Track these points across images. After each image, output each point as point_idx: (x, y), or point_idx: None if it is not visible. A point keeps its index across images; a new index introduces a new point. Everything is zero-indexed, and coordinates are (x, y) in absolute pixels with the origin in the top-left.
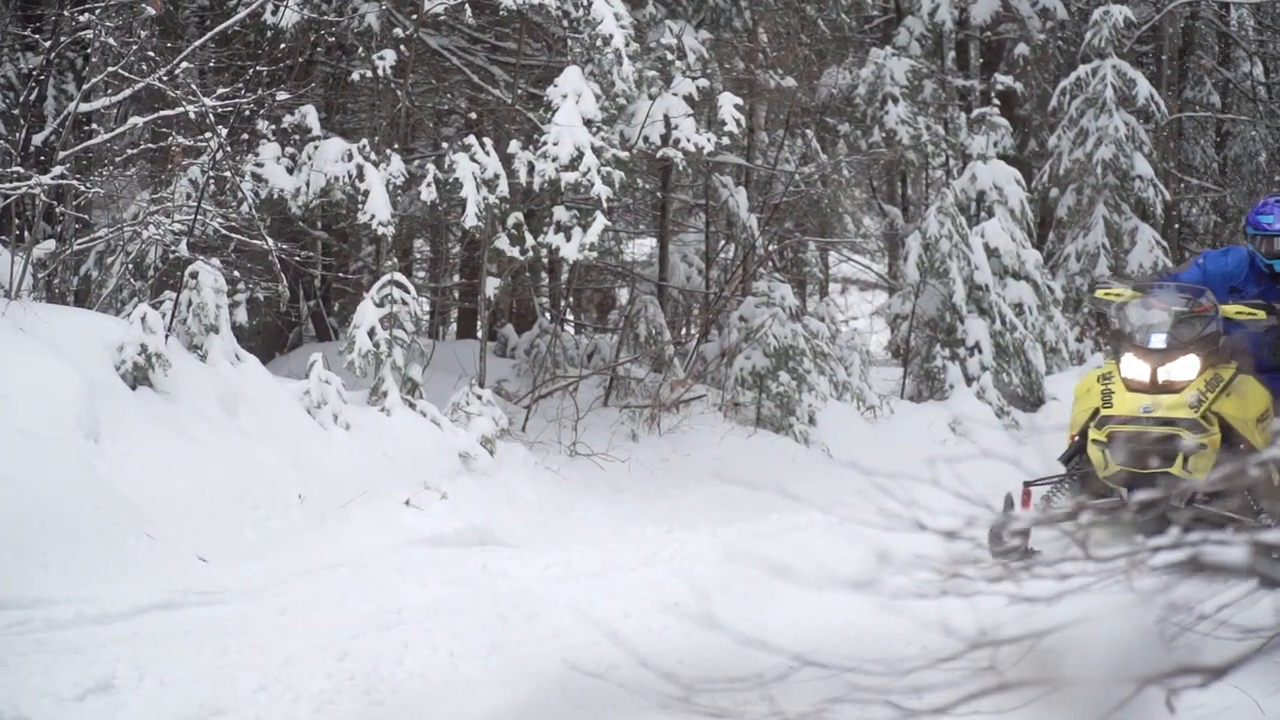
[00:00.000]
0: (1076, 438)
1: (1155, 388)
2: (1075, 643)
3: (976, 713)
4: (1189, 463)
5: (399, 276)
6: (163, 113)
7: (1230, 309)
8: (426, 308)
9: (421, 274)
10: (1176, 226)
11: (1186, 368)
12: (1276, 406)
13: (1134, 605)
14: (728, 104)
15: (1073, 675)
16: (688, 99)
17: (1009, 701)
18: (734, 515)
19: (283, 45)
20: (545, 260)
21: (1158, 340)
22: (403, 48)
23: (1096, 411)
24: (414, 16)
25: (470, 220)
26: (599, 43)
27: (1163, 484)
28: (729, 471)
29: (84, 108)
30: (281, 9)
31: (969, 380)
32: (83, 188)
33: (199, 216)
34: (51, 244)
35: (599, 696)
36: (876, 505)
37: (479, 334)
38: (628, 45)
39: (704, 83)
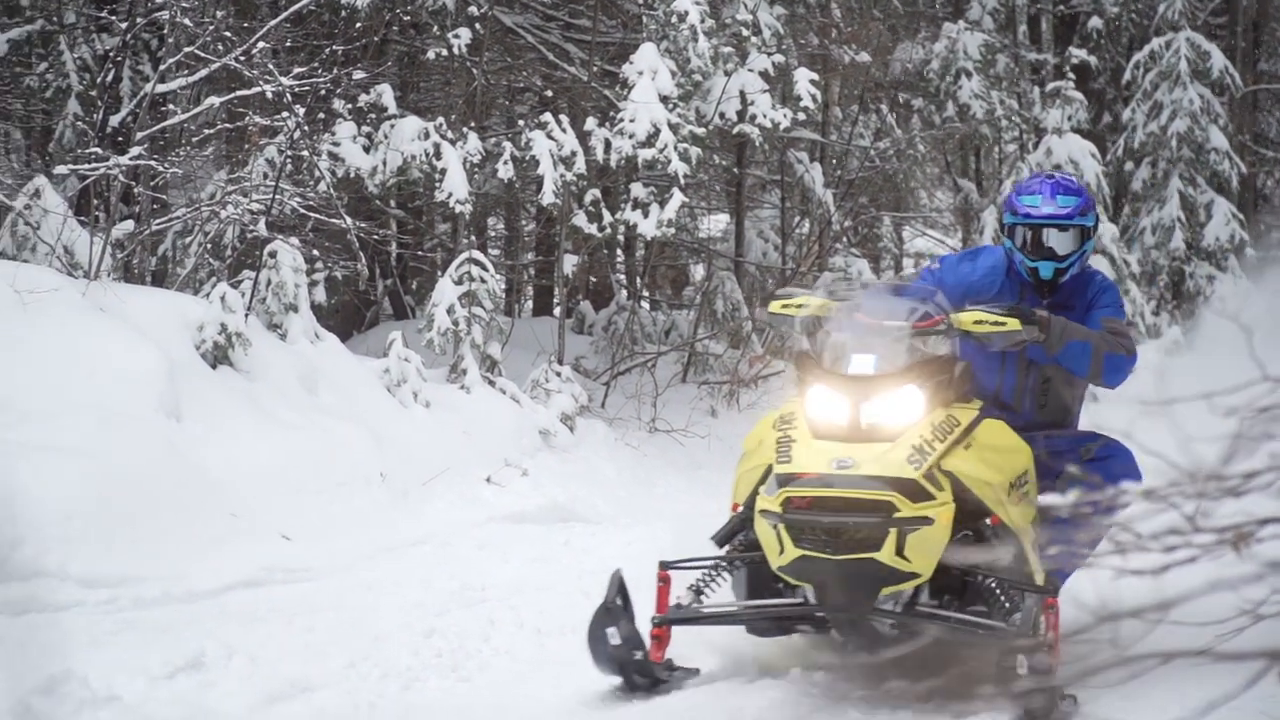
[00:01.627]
0: (740, 509)
1: (857, 434)
2: (1199, 616)
3: (1102, 686)
4: (905, 546)
5: (477, 254)
6: (239, 93)
7: (968, 317)
8: (503, 285)
9: (496, 251)
10: (1253, 199)
11: (905, 404)
12: (1041, 466)
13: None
14: (803, 80)
15: (1196, 649)
16: (763, 75)
17: (1131, 675)
18: None
19: (358, 24)
20: (621, 237)
21: (863, 364)
22: (477, 26)
23: (769, 471)
24: None
25: (548, 197)
26: (674, 19)
27: (862, 579)
28: None
29: (160, 88)
30: None
31: None
32: (160, 168)
33: (277, 196)
34: (130, 224)
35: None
36: None
37: (556, 311)
38: (703, 21)
39: (779, 58)
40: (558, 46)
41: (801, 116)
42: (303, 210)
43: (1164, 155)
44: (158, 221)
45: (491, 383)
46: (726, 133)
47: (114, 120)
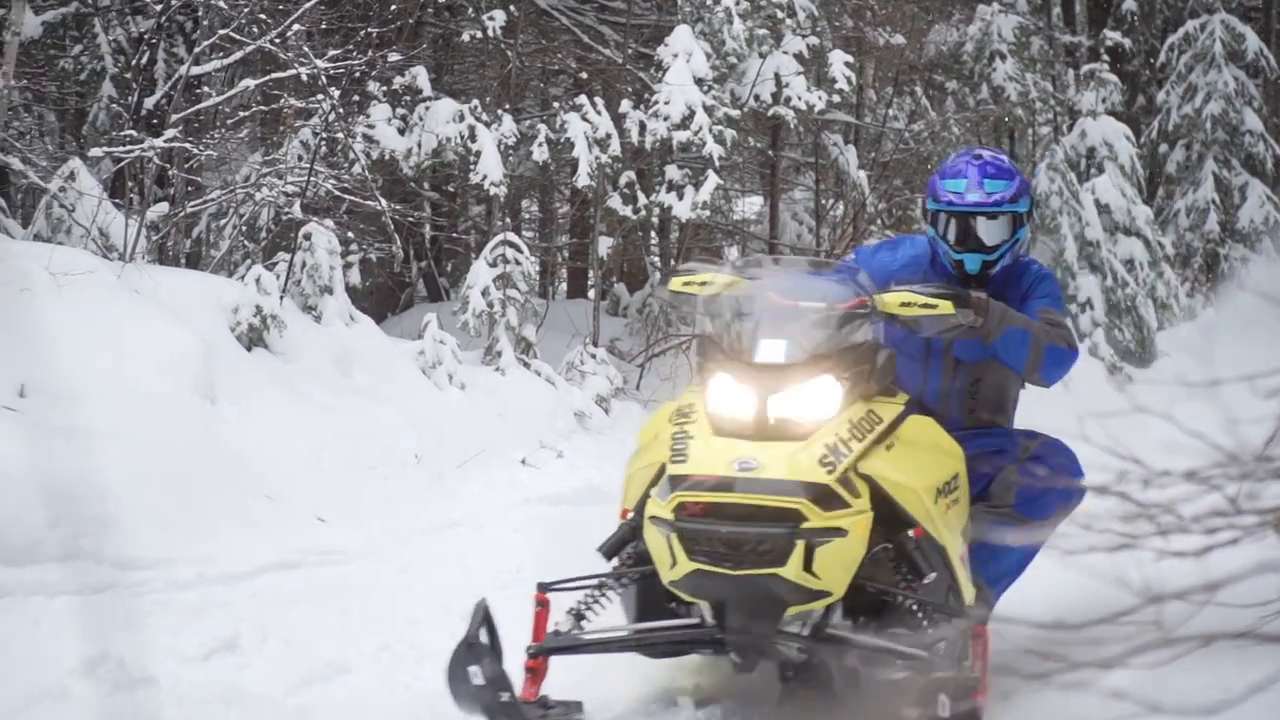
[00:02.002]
0: (631, 514)
1: (764, 431)
2: (1241, 599)
3: (1144, 667)
4: (814, 561)
5: (511, 236)
6: (274, 75)
7: (894, 298)
8: (537, 268)
9: (530, 234)
10: None
11: (819, 398)
12: (975, 470)
13: None
14: (838, 62)
15: (1238, 631)
16: (798, 57)
17: (1174, 655)
18: None
19: (393, 6)
20: (656, 219)
21: (772, 350)
22: (512, 8)
23: (663, 471)
24: None
25: (583, 180)
26: (709, 1)
27: (765, 599)
28: None
29: (195, 71)
30: None
31: (1081, 337)
32: (195, 150)
33: (311, 178)
34: (164, 207)
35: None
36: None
37: (590, 293)
38: (738, 3)
39: (814, 40)
40: (592, 29)
41: (836, 99)
42: (337, 192)
43: (1198, 138)
44: (192, 204)
45: (526, 365)
46: (761, 115)
47: (149, 103)
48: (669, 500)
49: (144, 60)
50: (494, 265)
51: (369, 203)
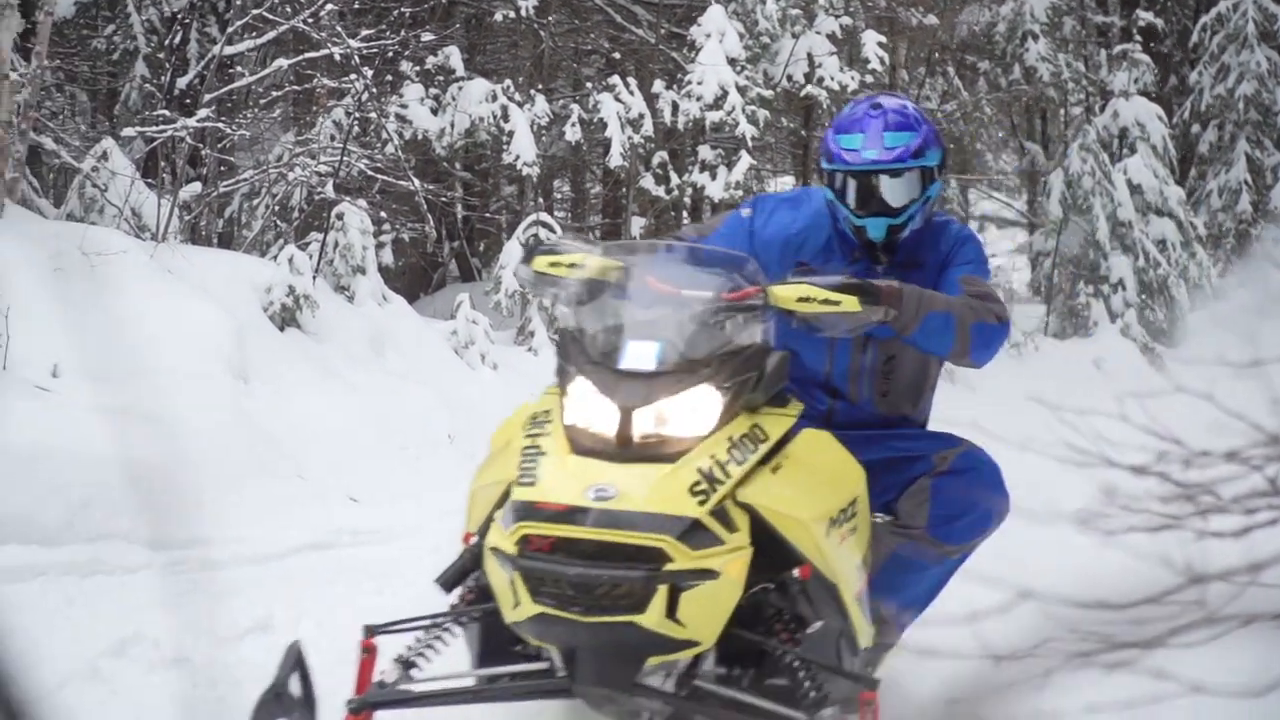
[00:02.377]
0: (475, 538)
1: (627, 450)
2: None
3: (1183, 646)
4: (679, 608)
5: (544, 216)
6: (307, 55)
7: (790, 292)
8: None
9: (562, 214)
10: None
11: (695, 411)
12: (882, 479)
13: None
14: (870, 42)
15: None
16: (830, 37)
17: (1214, 635)
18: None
19: None
20: (688, 200)
21: (640, 354)
22: None
23: (510, 492)
24: None
25: (615, 160)
26: None
27: (621, 649)
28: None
29: (228, 50)
30: None
31: (1113, 317)
32: (227, 130)
33: (344, 158)
34: (197, 187)
35: None
36: (1063, 439)
37: None
38: None
39: (846, 20)
40: (625, 9)
41: (869, 79)
42: (370, 172)
43: (1231, 118)
44: (225, 184)
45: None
46: (793, 95)
47: (181, 82)
48: (512, 531)
49: (177, 40)
50: (527, 245)
51: (402, 183)
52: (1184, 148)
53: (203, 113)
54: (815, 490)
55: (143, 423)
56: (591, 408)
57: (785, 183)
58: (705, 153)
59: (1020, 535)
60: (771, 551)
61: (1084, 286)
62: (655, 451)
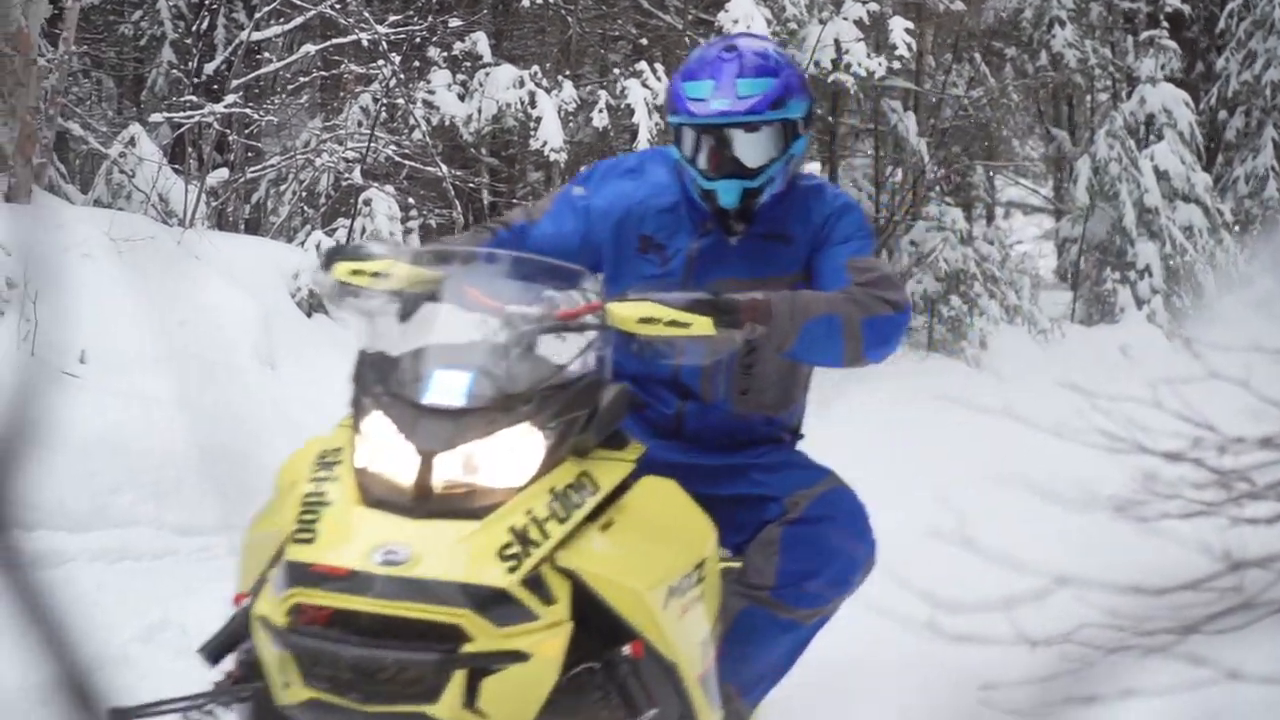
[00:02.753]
0: (249, 599)
1: (427, 504)
2: None
3: (1218, 632)
4: (480, 696)
5: None
6: (334, 41)
7: (630, 310)
8: None
9: None
10: None
11: (509, 457)
12: (734, 519)
13: None
14: (898, 28)
15: None
16: (858, 23)
17: (1245, 622)
18: (945, 437)
19: None
20: None
21: (449, 386)
22: None
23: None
24: None
25: (643, 145)
26: None
27: None
28: (904, 395)
29: (255, 36)
30: None
31: (1139, 304)
32: (254, 116)
33: (371, 144)
34: (224, 173)
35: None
36: (1097, 426)
37: None
38: None
39: (874, 7)
40: None
41: (896, 65)
42: (398, 158)
43: (1258, 104)
44: (252, 169)
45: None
46: (821, 81)
47: (209, 68)
48: (283, 598)
49: (204, 25)
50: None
51: (429, 168)
52: (1211, 134)
53: (230, 98)
54: (654, 552)
55: (170, 408)
56: (386, 450)
57: (812, 169)
58: None
59: (1057, 522)
60: (598, 625)
61: (1110, 273)
62: (460, 505)
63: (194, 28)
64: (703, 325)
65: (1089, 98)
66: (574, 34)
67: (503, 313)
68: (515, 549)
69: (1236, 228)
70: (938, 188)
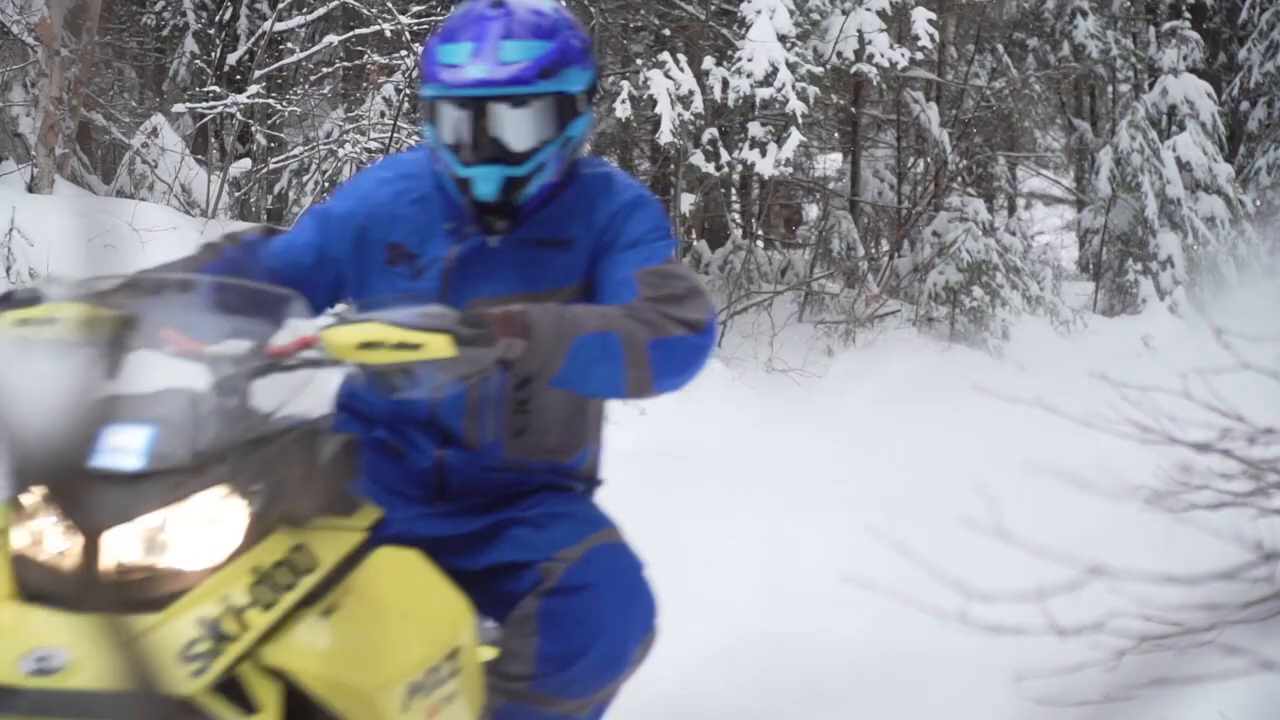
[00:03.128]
0: None
1: (94, 593)
2: None
3: (1251, 621)
4: None
5: None
6: (357, 31)
7: (351, 335)
8: None
9: None
10: None
11: (201, 530)
12: (494, 590)
13: None
14: (921, 19)
15: None
16: (880, 14)
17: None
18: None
19: None
20: (736, 176)
21: (123, 445)
22: None
23: None
24: None
25: (665, 136)
26: None
27: None
28: (927, 385)
29: (278, 27)
30: None
31: (1161, 295)
32: (277, 106)
33: (394, 134)
34: (246, 163)
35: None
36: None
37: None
38: None
39: None
40: None
41: (919, 56)
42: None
43: None
44: (275, 160)
45: None
46: (843, 72)
47: (231, 58)
48: None
49: (227, 16)
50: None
51: None
52: (1233, 125)
53: (253, 89)
54: (389, 642)
55: None
56: (45, 528)
57: (834, 159)
58: (755, 129)
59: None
60: None
61: (1132, 264)
62: (137, 594)
63: (217, 18)
64: (439, 346)
65: (1111, 88)
66: (596, 24)
67: (202, 355)
68: (205, 646)
69: (1259, 219)
70: (960, 178)
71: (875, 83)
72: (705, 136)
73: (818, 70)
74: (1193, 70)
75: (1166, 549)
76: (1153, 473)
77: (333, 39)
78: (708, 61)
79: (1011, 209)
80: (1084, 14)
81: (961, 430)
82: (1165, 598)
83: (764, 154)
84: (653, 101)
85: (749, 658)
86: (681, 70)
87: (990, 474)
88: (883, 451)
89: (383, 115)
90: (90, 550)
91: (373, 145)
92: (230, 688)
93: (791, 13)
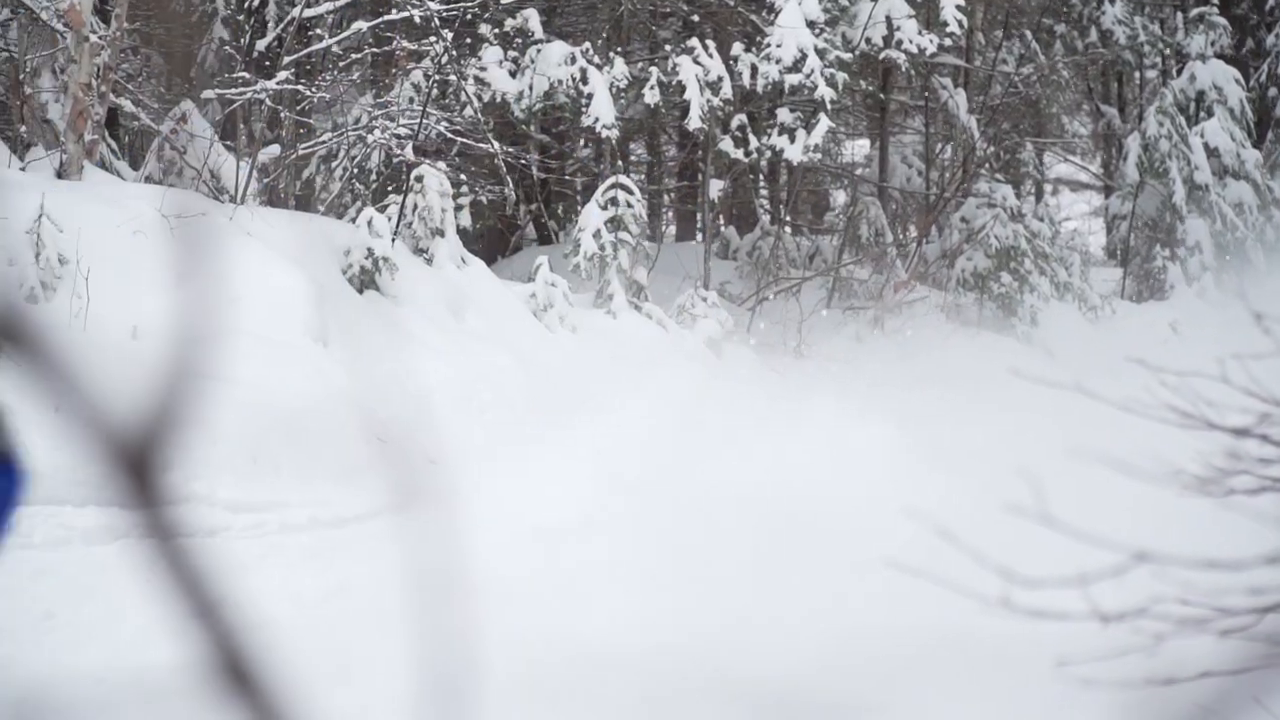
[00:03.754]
0: None
1: None
2: None
3: None
4: None
5: (623, 179)
6: (386, 17)
7: None
8: (646, 210)
9: (638, 176)
10: None
11: None
12: None
13: None
14: (949, 5)
15: None
16: (909, 0)
17: None
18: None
19: None
20: (765, 162)
21: None
22: None
23: None
24: None
25: (694, 122)
26: None
27: None
28: (954, 370)
29: (307, 13)
30: None
31: (1189, 280)
32: (306, 93)
33: (423, 120)
34: (275, 149)
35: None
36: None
37: (699, 236)
38: None
39: None
40: None
41: (947, 42)
42: (449, 135)
43: None
44: (303, 146)
45: (638, 308)
46: (872, 58)
47: (260, 45)
48: None
49: (255, 2)
50: (606, 208)
51: (481, 145)
52: (1261, 110)
53: (281, 75)
54: None
55: (222, 385)
56: None
57: (861, 145)
58: (784, 115)
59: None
60: None
61: (1160, 249)
62: None
63: (245, 4)
64: None
65: (1138, 74)
66: (625, 10)
67: None
68: None
69: None
70: (988, 164)
71: (904, 69)
72: (734, 122)
73: (846, 56)
74: (1220, 56)
75: (1207, 534)
76: (1191, 458)
77: (362, 25)
78: (736, 47)
79: (1039, 195)
80: (1112, 0)
81: (997, 416)
82: (1209, 583)
83: (793, 140)
84: (681, 87)
85: (792, 641)
86: (710, 56)
87: (1030, 460)
88: (921, 436)
89: (411, 101)
90: None
91: (401, 131)
92: None
93: None
